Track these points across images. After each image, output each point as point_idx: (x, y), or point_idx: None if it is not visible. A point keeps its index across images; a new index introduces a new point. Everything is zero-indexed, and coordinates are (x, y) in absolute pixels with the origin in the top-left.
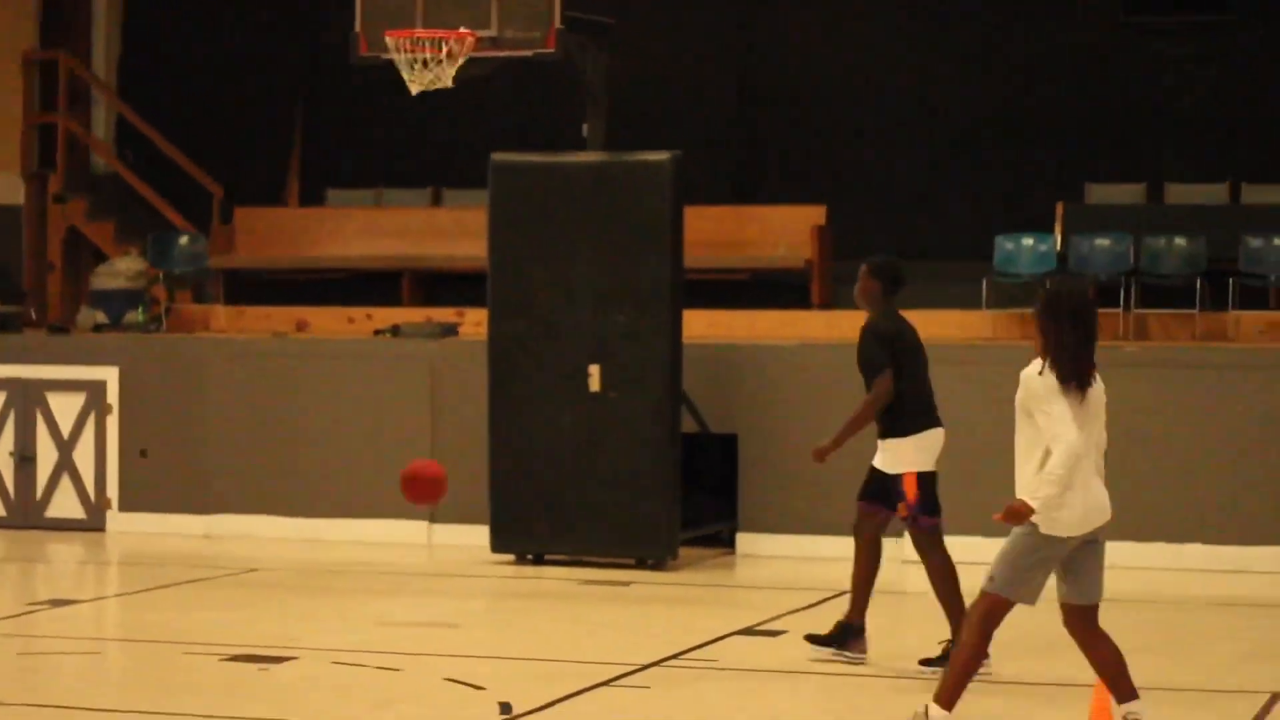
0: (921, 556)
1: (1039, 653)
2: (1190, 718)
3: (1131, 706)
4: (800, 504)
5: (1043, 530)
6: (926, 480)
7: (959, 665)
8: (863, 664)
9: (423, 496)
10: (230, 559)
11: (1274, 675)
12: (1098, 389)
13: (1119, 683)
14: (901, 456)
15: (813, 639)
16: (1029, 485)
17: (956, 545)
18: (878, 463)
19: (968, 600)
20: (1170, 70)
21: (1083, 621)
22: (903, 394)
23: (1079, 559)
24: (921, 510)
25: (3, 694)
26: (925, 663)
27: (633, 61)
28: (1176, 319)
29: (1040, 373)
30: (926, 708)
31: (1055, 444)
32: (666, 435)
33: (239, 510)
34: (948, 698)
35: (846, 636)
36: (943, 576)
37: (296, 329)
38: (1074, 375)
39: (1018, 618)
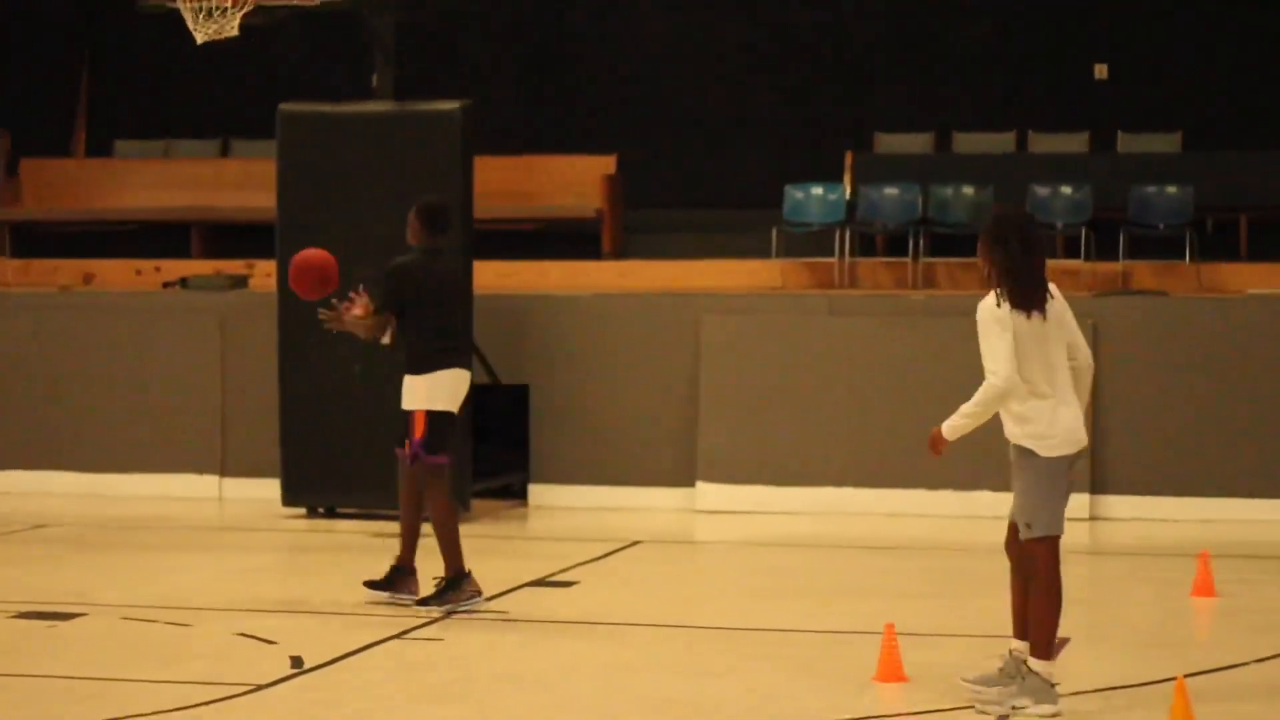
0: (426, 494)
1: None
2: (979, 662)
3: (1024, 646)
4: (592, 455)
5: (1043, 455)
6: (438, 420)
7: (1047, 618)
8: (410, 605)
9: (311, 283)
10: (18, 515)
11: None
12: (1058, 304)
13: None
14: (415, 394)
15: (369, 584)
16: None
17: (741, 493)
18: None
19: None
20: (957, 20)
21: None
22: (421, 332)
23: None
24: (425, 448)
25: None
26: (421, 602)
27: (422, 11)
28: (964, 268)
29: (998, 304)
30: (1028, 662)
31: (987, 378)
32: None
33: (26, 466)
34: (1044, 650)
35: (396, 579)
36: (441, 519)
37: (84, 282)
38: (1027, 300)
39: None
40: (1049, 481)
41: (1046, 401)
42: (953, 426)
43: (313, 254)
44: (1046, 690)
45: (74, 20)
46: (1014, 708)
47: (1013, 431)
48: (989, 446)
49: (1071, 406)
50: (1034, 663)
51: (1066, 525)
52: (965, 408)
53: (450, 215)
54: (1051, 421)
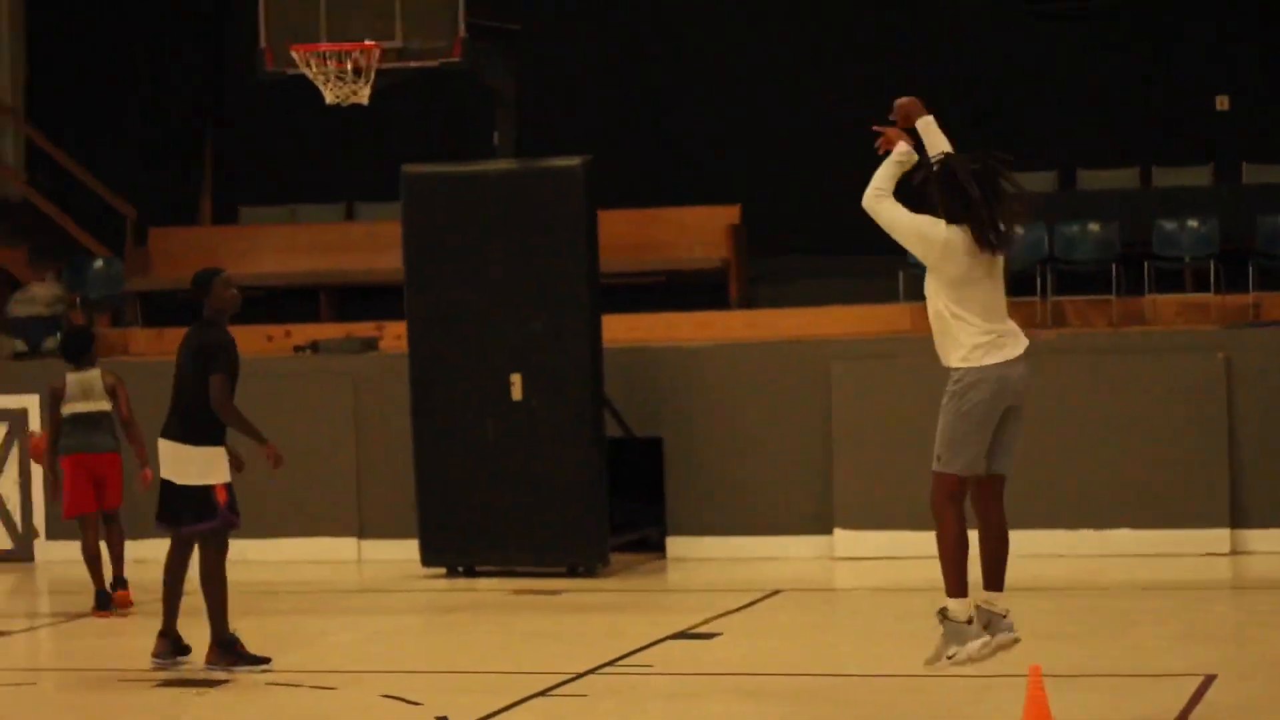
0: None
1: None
2: (1123, 703)
3: (990, 596)
4: (728, 505)
5: (970, 365)
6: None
7: (940, 554)
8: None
9: None
10: (159, 583)
11: (1204, 658)
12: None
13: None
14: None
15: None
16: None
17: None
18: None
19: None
20: (1077, 55)
21: (991, 491)
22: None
23: (1004, 426)
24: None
25: None
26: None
27: (541, 67)
28: (1093, 305)
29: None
30: (944, 608)
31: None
32: (591, 441)
33: (162, 535)
34: (951, 585)
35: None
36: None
37: None
38: (985, 236)
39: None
40: (977, 414)
41: (974, 319)
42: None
43: None
44: (959, 630)
45: (197, 89)
46: (948, 658)
47: (944, 351)
48: (1124, 486)
49: (1002, 324)
50: (949, 602)
51: (1206, 561)
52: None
53: (196, 288)
54: (980, 336)
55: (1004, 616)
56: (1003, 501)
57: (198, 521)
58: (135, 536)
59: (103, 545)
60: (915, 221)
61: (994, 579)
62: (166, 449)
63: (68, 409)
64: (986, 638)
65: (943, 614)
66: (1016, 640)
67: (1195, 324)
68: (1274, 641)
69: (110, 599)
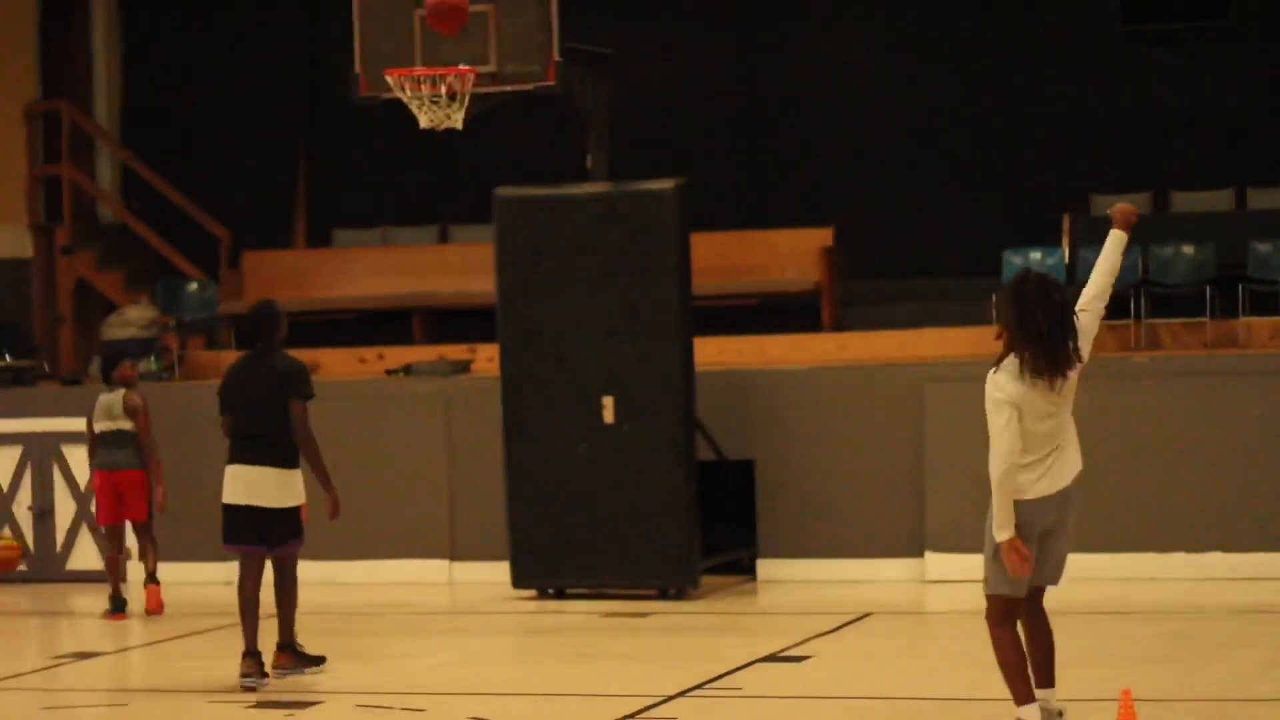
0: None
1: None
2: None
3: (1043, 693)
4: (819, 528)
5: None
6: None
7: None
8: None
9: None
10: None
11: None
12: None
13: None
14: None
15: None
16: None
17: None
18: None
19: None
20: (1170, 77)
21: (1035, 600)
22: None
23: (1047, 541)
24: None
25: None
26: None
27: (634, 90)
28: (1187, 328)
29: (1010, 374)
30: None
31: (991, 461)
32: (682, 464)
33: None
34: (1019, 695)
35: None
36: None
37: (309, 371)
38: (1047, 367)
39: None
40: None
41: (1039, 464)
42: (1000, 527)
43: None
44: None
45: (291, 113)
46: None
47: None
48: (1219, 509)
49: (1062, 475)
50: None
51: (1262, 584)
52: (993, 512)
53: (267, 321)
54: (1036, 479)
55: (1059, 715)
56: (1043, 605)
57: (290, 540)
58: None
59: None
60: (1006, 418)
61: (1045, 677)
62: (269, 475)
63: (97, 427)
64: None
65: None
66: None
67: None
68: None
69: (124, 604)
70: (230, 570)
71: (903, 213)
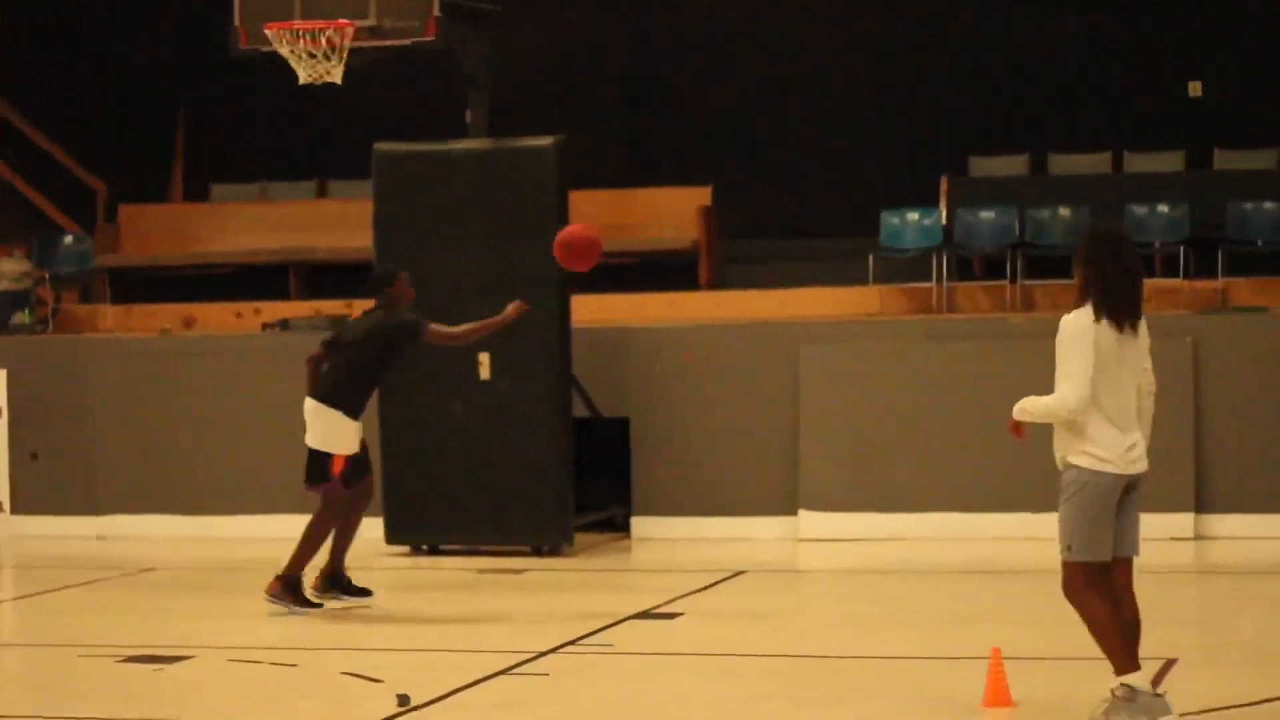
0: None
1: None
2: (1086, 686)
3: (1130, 678)
4: (694, 486)
5: (1092, 469)
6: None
7: (1109, 636)
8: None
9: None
10: (125, 560)
11: (1168, 642)
12: (1143, 330)
13: (1121, 650)
14: None
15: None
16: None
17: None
18: None
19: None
20: (1048, 41)
21: (1121, 576)
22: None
23: (1123, 510)
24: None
25: None
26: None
27: (514, 47)
28: (1063, 289)
29: (1076, 315)
30: (1122, 683)
31: (1058, 393)
32: (558, 421)
33: (132, 510)
34: (1128, 664)
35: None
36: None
37: (184, 326)
38: (1112, 313)
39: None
40: (1099, 501)
41: (1106, 421)
42: (1022, 410)
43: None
44: (1154, 703)
45: (170, 67)
46: None
47: (1065, 446)
48: None
49: (1131, 431)
50: (1123, 679)
51: (1173, 545)
52: (1030, 405)
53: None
54: (1108, 443)
55: (1158, 696)
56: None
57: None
58: None
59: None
60: (1084, 356)
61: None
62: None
63: None
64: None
65: (1125, 688)
66: None
67: (1164, 309)
68: (1241, 625)
69: None
70: (99, 525)
71: (781, 173)
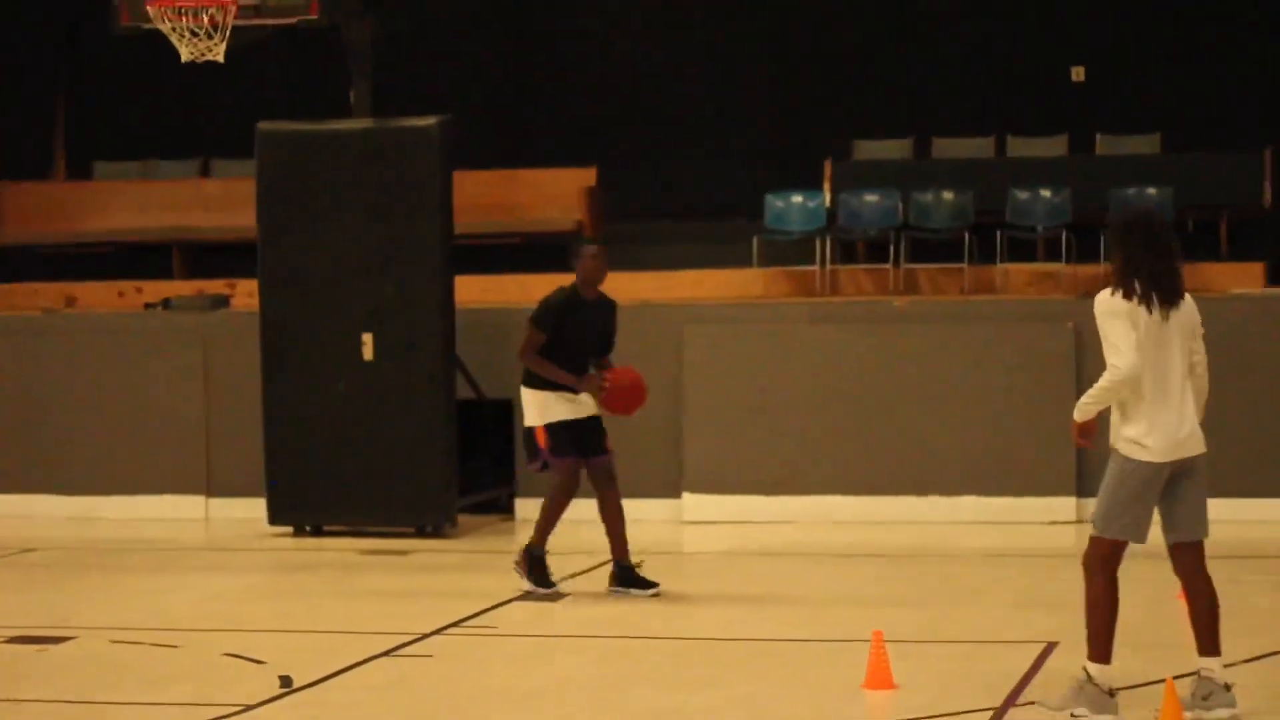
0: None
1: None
2: (965, 669)
3: (1207, 662)
4: None
5: (1132, 459)
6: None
7: (1090, 619)
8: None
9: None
10: (4, 540)
11: (1047, 625)
12: (1187, 310)
13: (1203, 635)
14: None
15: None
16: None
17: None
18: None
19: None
20: (932, 25)
21: (1187, 559)
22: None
23: (1177, 492)
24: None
25: None
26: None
27: (399, 26)
28: (945, 273)
29: (1111, 294)
30: (1085, 668)
31: (1109, 366)
32: (441, 402)
33: (12, 490)
34: (1099, 651)
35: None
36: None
37: (66, 305)
38: (1146, 294)
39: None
40: (1132, 486)
41: (1147, 404)
42: (1081, 408)
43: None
44: (1101, 699)
45: (50, 43)
46: (1072, 715)
47: (1114, 430)
48: (973, 453)
49: (1175, 414)
50: (1088, 664)
51: (1052, 529)
52: (1084, 399)
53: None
54: (1149, 428)
55: (1227, 689)
56: (1205, 566)
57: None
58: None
59: None
60: (1124, 328)
61: (1209, 644)
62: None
63: None
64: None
65: (1086, 674)
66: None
67: (1046, 294)
68: (1121, 609)
69: None
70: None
71: (666, 155)
